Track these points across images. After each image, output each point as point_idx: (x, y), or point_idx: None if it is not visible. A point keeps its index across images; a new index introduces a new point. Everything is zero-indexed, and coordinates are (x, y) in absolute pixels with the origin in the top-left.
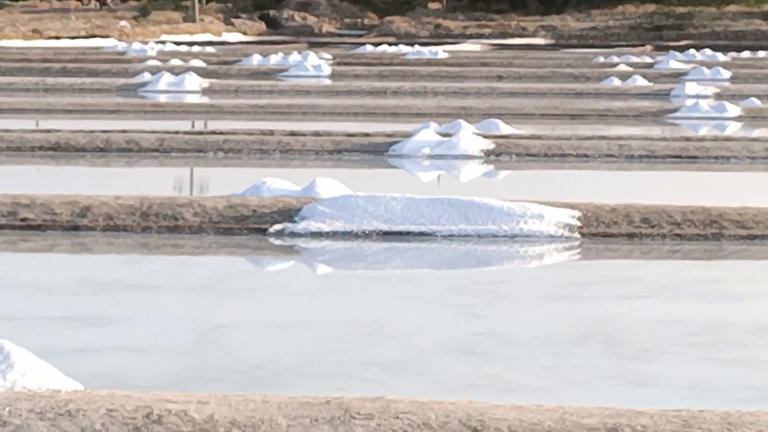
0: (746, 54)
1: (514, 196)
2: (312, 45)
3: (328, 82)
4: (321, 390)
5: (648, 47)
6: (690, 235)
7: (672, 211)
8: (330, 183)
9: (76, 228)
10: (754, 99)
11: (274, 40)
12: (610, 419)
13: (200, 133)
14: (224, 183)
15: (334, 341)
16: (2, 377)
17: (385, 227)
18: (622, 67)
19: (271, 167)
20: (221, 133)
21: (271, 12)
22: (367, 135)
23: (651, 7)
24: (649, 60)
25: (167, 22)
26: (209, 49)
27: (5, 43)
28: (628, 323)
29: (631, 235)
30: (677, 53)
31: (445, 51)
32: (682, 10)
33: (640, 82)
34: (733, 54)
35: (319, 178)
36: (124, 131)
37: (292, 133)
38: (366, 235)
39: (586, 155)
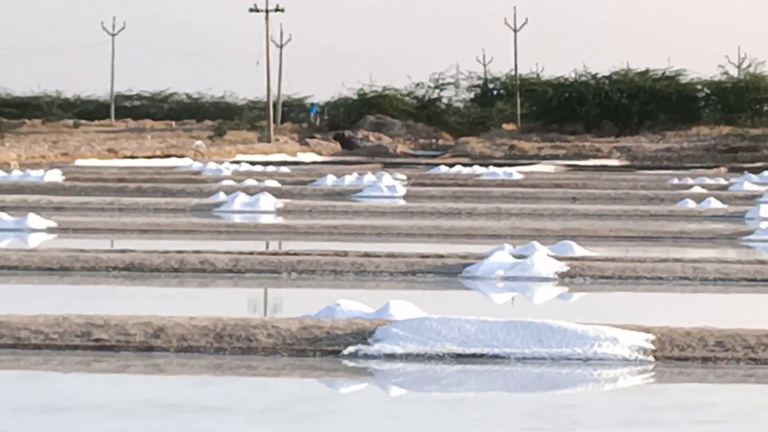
0: None
1: (587, 319)
2: (386, 165)
3: (402, 202)
4: None
5: (722, 169)
6: (765, 359)
7: (747, 334)
8: (404, 305)
9: (149, 349)
10: None
11: (349, 161)
12: None
13: (274, 253)
14: (298, 304)
15: None
16: None
17: (459, 350)
18: (697, 189)
19: (344, 288)
20: (295, 253)
21: (346, 132)
22: (441, 256)
23: (725, 129)
24: (723, 182)
25: (242, 141)
26: (284, 169)
27: (81, 162)
28: None
29: (705, 359)
30: (752, 175)
31: (519, 172)
32: (756, 131)
33: (715, 204)
34: None
35: (392, 300)
36: (198, 251)
37: (366, 254)
38: (439, 358)
39: (660, 278)
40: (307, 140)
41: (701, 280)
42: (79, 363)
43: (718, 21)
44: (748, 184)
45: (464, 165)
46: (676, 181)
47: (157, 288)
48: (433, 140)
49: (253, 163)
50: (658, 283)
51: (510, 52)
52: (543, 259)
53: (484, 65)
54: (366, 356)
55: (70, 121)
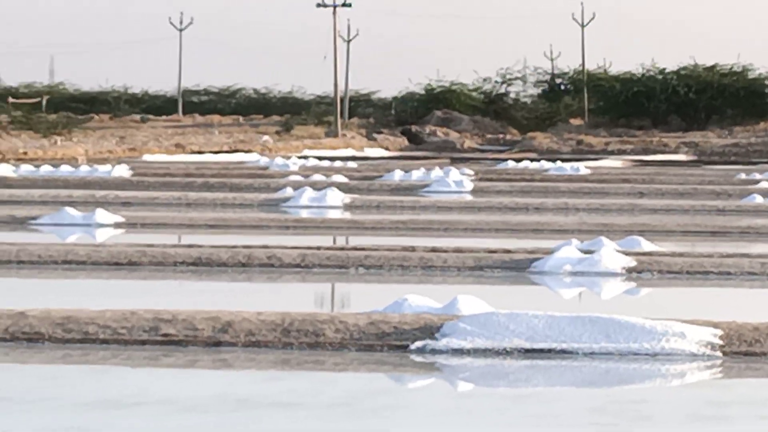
0: None
1: (655, 314)
2: (454, 160)
3: (469, 197)
4: None
5: None
6: None
7: None
8: (471, 300)
9: (217, 344)
10: None
11: (416, 156)
12: None
13: (342, 248)
14: (365, 299)
15: None
16: None
17: (527, 345)
18: (765, 184)
19: (412, 283)
20: (363, 248)
21: (413, 127)
22: (508, 251)
23: None
24: None
25: (309, 136)
26: (351, 164)
27: (148, 157)
28: None
29: None
30: None
31: (586, 167)
32: None
33: None
34: None
35: (460, 296)
36: (265, 246)
37: (434, 249)
38: (507, 353)
39: (728, 273)
40: (375, 135)
41: None
42: (147, 358)
43: None
44: None
45: (531, 160)
46: (743, 176)
47: (225, 283)
48: (501, 135)
49: (320, 158)
50: (726, 278)
51: (577, 47)
52: (610, 254)
53: (552, 60)
54: (433, 351)
55: (138, 117)
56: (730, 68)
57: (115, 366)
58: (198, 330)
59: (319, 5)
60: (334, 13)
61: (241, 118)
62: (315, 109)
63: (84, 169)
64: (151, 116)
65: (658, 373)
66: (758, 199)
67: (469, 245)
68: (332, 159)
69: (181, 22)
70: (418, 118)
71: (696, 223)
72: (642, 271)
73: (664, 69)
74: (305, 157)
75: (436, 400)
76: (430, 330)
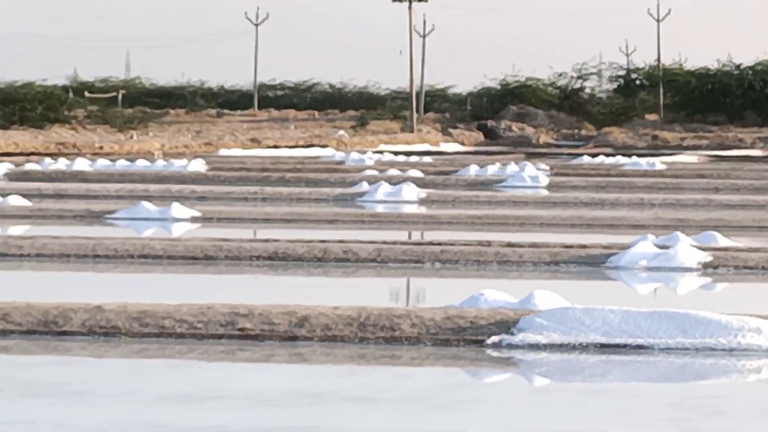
0: None
1: (731, 309)
2: (529, 155)
3: (545, 192)
4: None
5: None
6: None
7: None
8: (547, 295)
9: (293, 338)
10: None
11: (492, 151)
12: None
13: (418, 243)
14: (441, 294)
15: None
16: None
17: (603, 340)
18: None
19: (488, 278)
20: (439, 243)
21: (489, 122)
22: (584, 246)
23: None
24: None
25: (385, 131)
26: (427, 159)
27: (224, 152)
28: None
29: None
30: None
31: (662, 162)
32: None
33: None
34: None
35: (537, 291)
36: (341, 241)
37: (510, 244)
38: (583, 348)
39: None
40: (450, 130)
41: None
42: (223, 352)
43: None
44: None
45: (607, 155)
46: None
47: (301, 277)
48: (576, 130)
49: (395, 153)
50: None
51: (653, 42)
52: (686, 250)
53: (627, 55)
54: (510, 346)
55: (214, 111)
56: None
57: (191, 360)
58: (274, 324)
59: (394, 0)
60: (410, 8)
61: (316, 113)
62: (390, 104)
63: (160, 164)
64: (226, 111)
65: (734, 369)
66: None
67: (545, 240)
68: (408, 154)
69: (257, 17)
70: (494, 113)
71: None
72: (717, 267)
73: (740, 64)
74: (381, 152)
75: (512, 395)
76: (507, 325)
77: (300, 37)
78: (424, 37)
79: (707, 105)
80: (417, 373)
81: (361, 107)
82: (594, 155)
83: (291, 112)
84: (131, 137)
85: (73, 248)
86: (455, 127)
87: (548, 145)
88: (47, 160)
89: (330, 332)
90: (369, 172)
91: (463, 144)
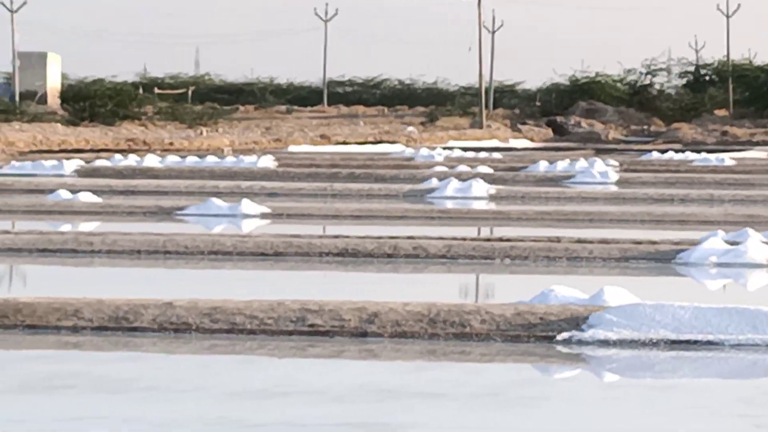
0: None
1: None
2: (599, 151)
3: (614, 188)
4: None
5: None
6: None
7: None
8: (618, 291)
9: (363, 334)
10: None
11: (561, 147)
12: None
13: (487, 239)
14: (511, 290)
15: None
16: None
17: (673, 336)
18: None
19: (558, 274)
20: (508, 239)
21: (558, 118)
22: (654, 243)
23: None
24: None
25: (454, 127)
26: (496, 155)
27: (294, 148)
28: None
29: None
30: None
31: (732, 158)
32: None
33: None
34: None
35: (606, 287)
36: (411, 237)
37: (579, 241)
38: (653, 344)
39: None
40: (519, 126)
41: None
42: (293, 348)
43: None
44: None
45: (676, 151)
46: None
47: (371, 274)
48: (645, 126)
49: (465, 149)
50: None
51: (722, 38)
52: (757, 246)
53: (696, 51)
54: (580, 342)
55: (283, 107)
56: None
57: (261, 356)
58: (344, 320)
59: None
60: (479, 4)
61: (385, 109)
62: (460, 100)
63: (229, 160)
64: (296, 107)
65: None
66: None
67: (615, 236)
68: (477, 150)
69: (326, 13)
70: (563, 109)
71: None
72: None
73: None
74: (450, 148)
75: (583, 390)
76: (576, 321)
77: (369, 33)
78: (493, 33)
79: None
80: (487, 369)
81: (430, 103)
82: (663, 151)
83: (360, 109)
84: (201, 133)
85: (143, 244)
86: (524, 123)
87: (617, 141)
88: (117, 156)
89: (400, 328)
90: (438, 168)
91: (532, 140)
